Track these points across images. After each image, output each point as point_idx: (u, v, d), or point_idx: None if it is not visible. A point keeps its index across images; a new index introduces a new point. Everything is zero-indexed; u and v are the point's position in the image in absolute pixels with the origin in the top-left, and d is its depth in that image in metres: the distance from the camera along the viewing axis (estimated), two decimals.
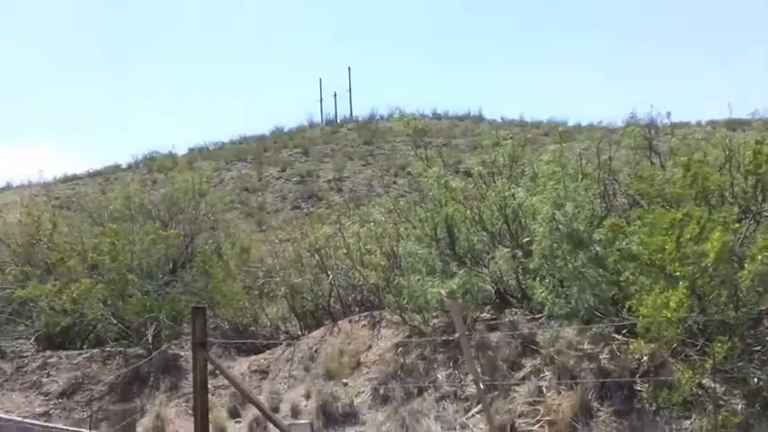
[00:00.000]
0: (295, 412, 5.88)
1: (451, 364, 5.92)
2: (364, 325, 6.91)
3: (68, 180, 27.32)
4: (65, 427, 3.71)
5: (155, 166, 26.64)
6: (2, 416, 3.86)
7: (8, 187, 36.52)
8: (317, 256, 7.85)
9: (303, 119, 28.22)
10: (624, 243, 5.03)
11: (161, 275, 7.54)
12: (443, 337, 6.08)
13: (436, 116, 24.64)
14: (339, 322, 7.13)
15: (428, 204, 6.88)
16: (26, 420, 3.82)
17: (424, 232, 6.76)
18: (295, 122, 27.76)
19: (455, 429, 5.29)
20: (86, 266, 7.32)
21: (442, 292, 5.83)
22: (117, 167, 29.46)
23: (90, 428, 3.47)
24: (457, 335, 5.30)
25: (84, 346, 7.67)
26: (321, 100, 31.91)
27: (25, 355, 7.70)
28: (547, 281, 5.67)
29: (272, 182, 19.94)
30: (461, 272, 6.14)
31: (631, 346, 4.94)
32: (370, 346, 6.54)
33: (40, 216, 8.40)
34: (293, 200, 18.62)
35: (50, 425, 3.83)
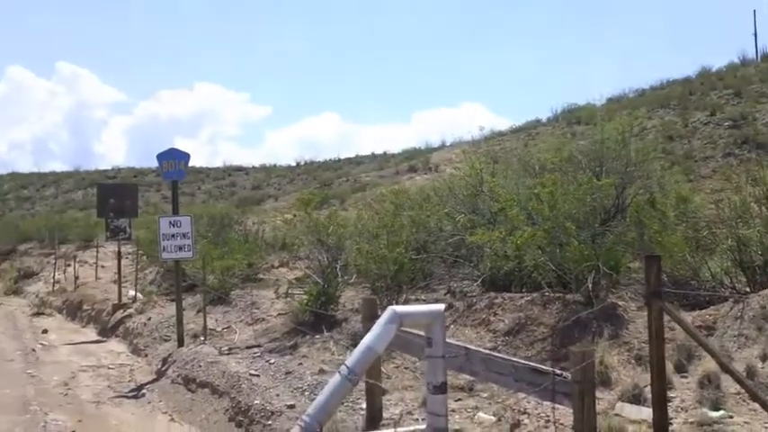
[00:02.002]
0: (750, 373, 5.34)
1: None
2: None
3: (495, 137, 29.40)
4: (524, 362, 3.96)
5: (573, 118, 26.86)
6: (469, 346, 4.30)
7: (443, 146, 40.99)
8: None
9: (734, 56, 25.32)
10: None
11: (596, 225, 7.54)
12: None
13: None
14: None
15: None
16: (493, 353, 4.19)
17: None
18: (725, 61, 25.07)
19: None
20: (524, 215, 7.74)
21: None
22: (537, 122, 30.64)
23: (552, 366, 3.63)
24: None
25: (523, 290, 8.14)
26: (755, 33, 28.09)
27: (472, 295, 8.56)
28: None
29: (699, 128, 18.35)
30: None
31: None
32: None
33: (482, 170, 9.15)
34: (724, 146, 16.84)
35: (512, 358, 4.13)
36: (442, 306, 3.26)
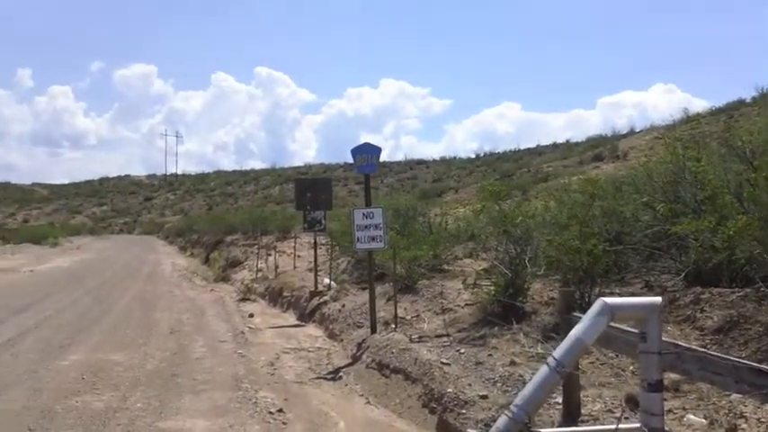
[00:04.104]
0: None
1: None
2: None
3: (690, 120, 27.36)
4: (746, 362, 3.63)
5: None
6: (681, 343, 4.02)
7: (631, 132, 38.90)
8: None
9: None
10: None
11: None
12: None
13: None
14: None
15: None
16: (709, 351, 3.88)
17: None
18: None
19: None
20: (736, 203, 7.10)
21: None
22: (741, 102, 27.99)
23: None
24: None
25: (733, 285, 7.49)
26: None
27: (673, 289, 8.02)
28: None
29: None
30: None
31: None
32: None
33: (684, 155, 8.51)
34: None
35: (732, 357, 3.80)
36: (659, 299, 3.09)
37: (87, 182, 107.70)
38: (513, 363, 7.13)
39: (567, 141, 53.15)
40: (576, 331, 2.96)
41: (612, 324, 4.16)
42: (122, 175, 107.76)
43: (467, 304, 10.04)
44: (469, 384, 6.64)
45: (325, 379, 8.60)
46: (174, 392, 7.58)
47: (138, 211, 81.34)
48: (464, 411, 6.09)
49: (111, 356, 9.44)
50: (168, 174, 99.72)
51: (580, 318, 4.56)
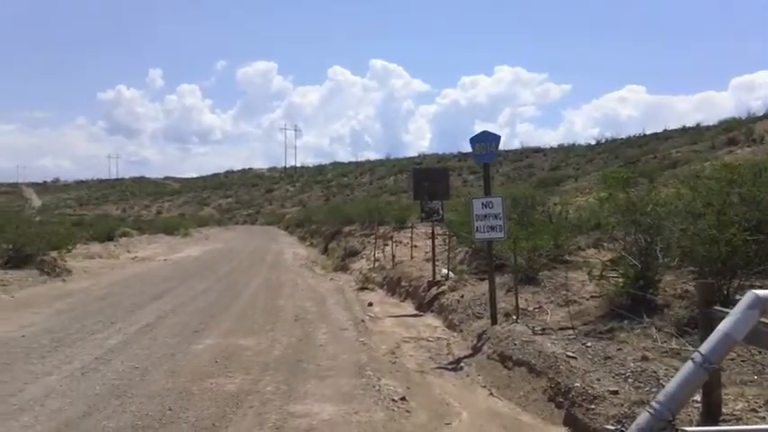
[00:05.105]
0: None
1: None
2: None
3: None
4: None
5: None
6: None
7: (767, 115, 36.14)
8: None
9: None
10: None
11: None
12: None
13: None
14: None
15: None
16: None
17: None
18: None
19: None
20: None
21: None
22: None
23: None
24: None
25: None
26: None
27: None
28: None
29: None
30: None
31: None
32: None
33: None
34: None
35: None
36: None
37: (214, 175, 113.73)
38: (644, 358, 6.82)
39: (698, 125, 50.12)
40: (724, 326, 2.77)
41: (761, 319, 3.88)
42: (246, 168, 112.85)
43: (592, 296, 9.72)
44: (598, 379, 6.42)
45: (446, 369, 8.60)
46: (301, 378, 7.84)
47: (261, 203, 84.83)
48: (593, 407, 5.90)
49: (241, 341, 9.90)
50: (288, 166, 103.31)
51: (721, 312, 4.29)
